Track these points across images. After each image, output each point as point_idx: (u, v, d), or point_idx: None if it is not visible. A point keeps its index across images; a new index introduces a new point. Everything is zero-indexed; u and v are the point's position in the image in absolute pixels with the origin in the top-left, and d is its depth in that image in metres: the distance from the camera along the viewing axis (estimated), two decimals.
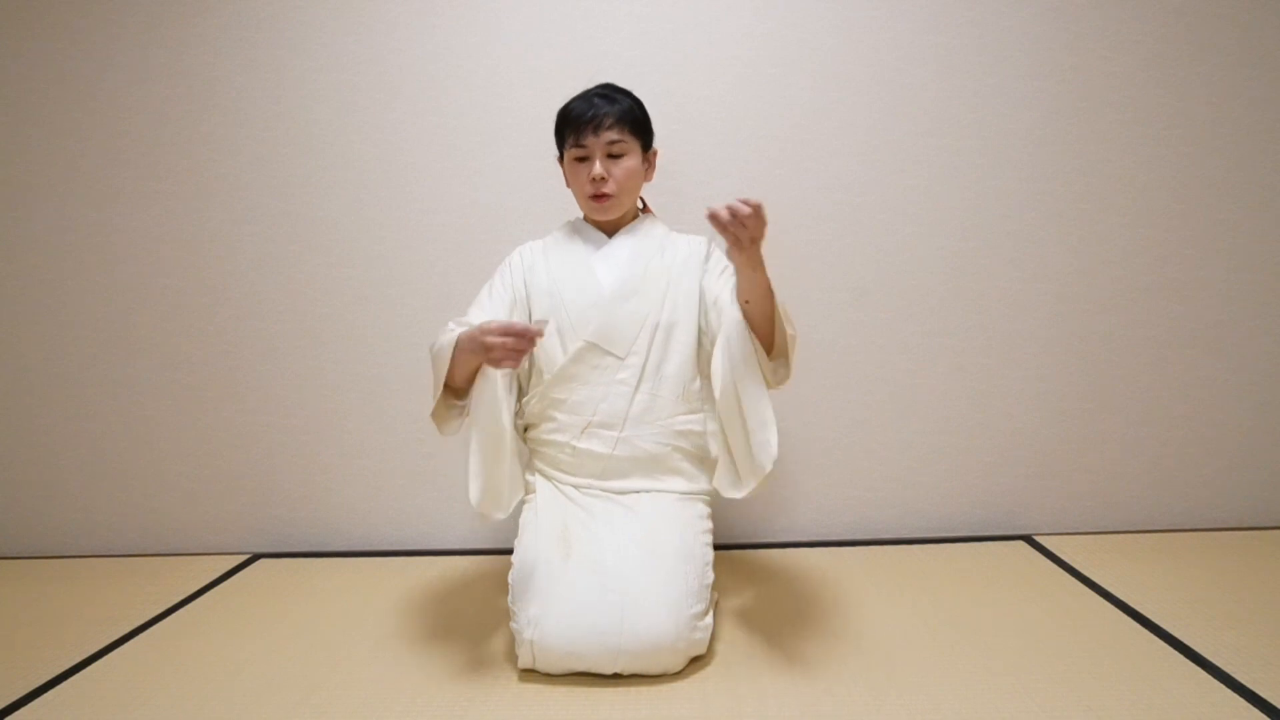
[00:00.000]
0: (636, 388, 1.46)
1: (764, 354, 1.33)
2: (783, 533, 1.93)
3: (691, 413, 1.50)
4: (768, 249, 1.84)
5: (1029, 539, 1.88)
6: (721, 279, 1.47)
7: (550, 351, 1.48)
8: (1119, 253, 1.84)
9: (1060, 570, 1.70)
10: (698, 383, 1.51)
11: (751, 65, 1.81)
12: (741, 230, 1.16)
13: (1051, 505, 1.92)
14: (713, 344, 1.44)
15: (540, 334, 1.22)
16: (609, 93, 1.46)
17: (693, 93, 1.81)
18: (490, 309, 1.48)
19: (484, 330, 1.24)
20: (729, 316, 1.34)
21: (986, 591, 1.59)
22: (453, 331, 1.36)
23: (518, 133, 1.84)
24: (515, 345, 1.22)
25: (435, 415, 1.42)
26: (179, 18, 1.85)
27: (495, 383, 1.37)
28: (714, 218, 1.15)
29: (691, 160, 1.82)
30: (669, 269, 1.49)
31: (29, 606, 1.72)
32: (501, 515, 1.41)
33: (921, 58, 1.80)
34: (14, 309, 1.96)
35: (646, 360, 1.46)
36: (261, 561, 1.94)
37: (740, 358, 1.32)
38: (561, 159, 1.52)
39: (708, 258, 1.53)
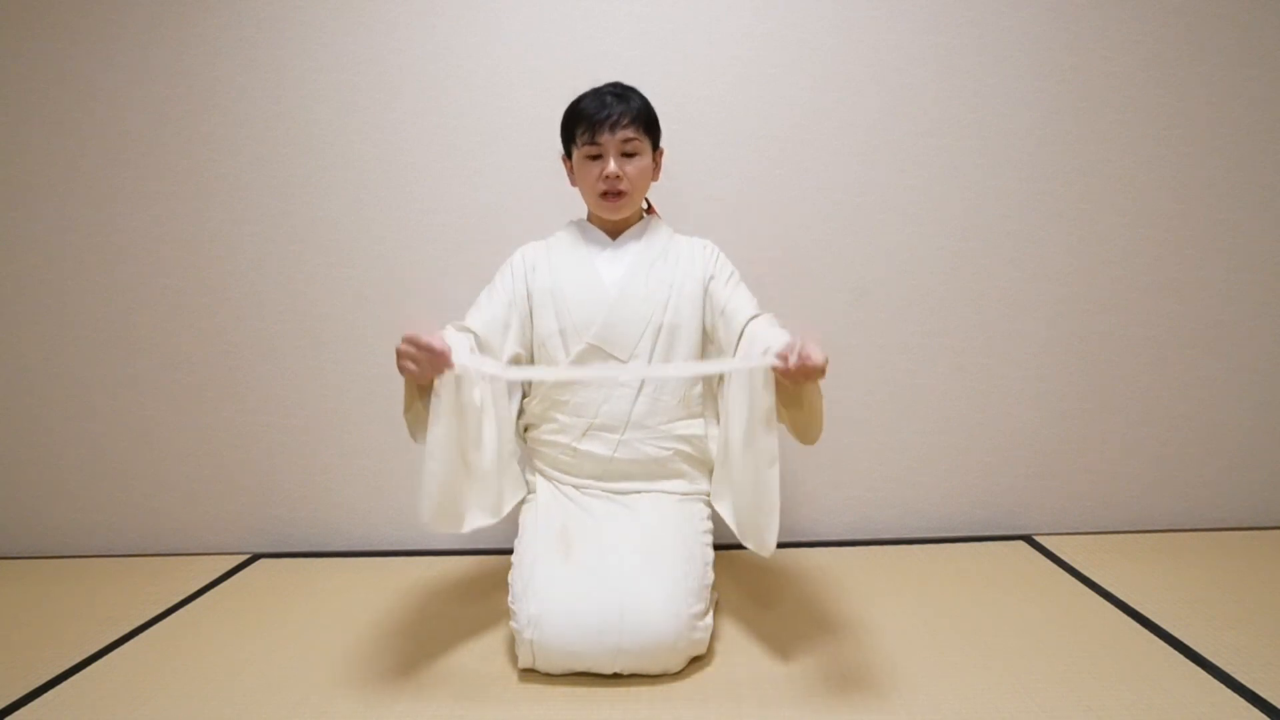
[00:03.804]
0: (639, 391, 1.45)
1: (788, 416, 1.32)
2: (783, 533, 1.89)
3: (692, 417, 1.50)
4: (770, 250, 1.85)
5: (1029, 539, 1.88)
6: (729, 285, 1.48)
7: (553, 352, 1.48)
8: (1119, 253, 1.84)
9: (1060, 570, 1.70)
10: (699, 387, 1.51)
11: (751, 65, 1.81)
12: (799, 375, 1.15)
13: (1051, 505, 1.92)
14: (719, 352, 1.47)
15: (447, 361, 1.21)
16: (621, 91, 1.45)
17: (693, 93, 1.81)
18: (488, 311, 1.47)
19: (404, 338, 1.21)
20: (760, 400, 1.26)
21: (986, 591, 1.59)
22: None
23: (518, 133, 1.84)
24: (417, 357, 1.20)
25: (406, 419, 1.38)
26: (179, 18, 1.85)
27: (451, 394, 1.28)
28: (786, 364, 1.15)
29: (691, 160, 1.82)
30: (673, 271, 1.49)
31: (29, 606, 1.72)
32: (493, 519, 1.36)
33: (921, 58, 1.80)
34: (14, 309, 1.96)
35: (652, 355, 1.46)
36: (261, 561, 1.94)
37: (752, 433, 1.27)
38: (568, 156, 1.50)
39: (716, 260, 1.52)
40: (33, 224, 1.93)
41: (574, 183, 1.51)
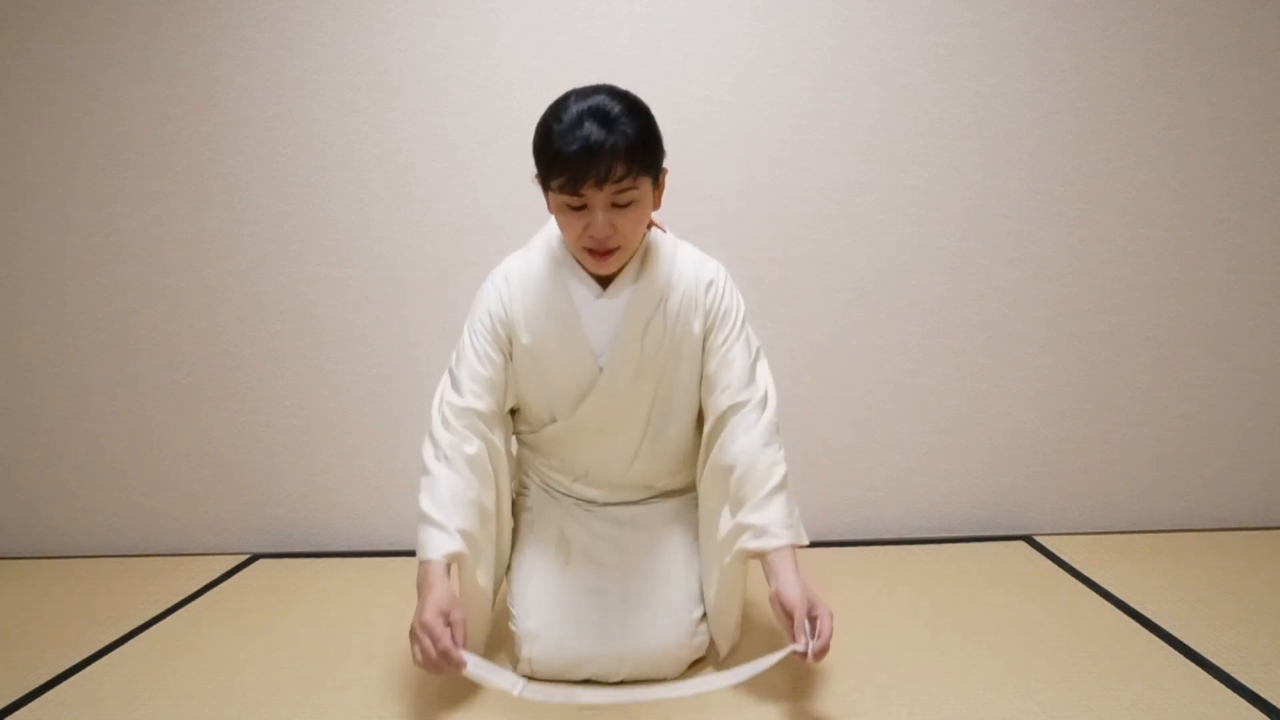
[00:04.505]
0: (633, 459, 1.35)
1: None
2: None
3: (690, 466, 1.41)
4: (770, 250, 1.85)
5: (1029, 539, 1.88)
6: (724, 346, 1.28)
7: (537, 412, 1.34)
8: (1119, 253, 1.84)
9: (1060, 570, 1.70)
10: (695, 440, 1.39)
11: (752, 65, 1.81)
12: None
13: (1051, 505, 1.92)
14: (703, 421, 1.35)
15: (461, 666, 1.09)
16: (610, 117, 1.09)
17: (693, 93, 1.81)
18: (482, 373, 1.27)
19: (421, 623, 1.10)
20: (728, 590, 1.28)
21: (986, 591, 1.59)
22: (426, 552, 1.21)
23: (518, 133, 1.82)
24: (434, 660, 1.08)
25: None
26: (179, 18, 1.85)
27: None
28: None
29: (691, 160, 1.82)
30: (672, 328, 1.27)
31: (29, 606, 1.72)
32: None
33: (921, 58, 1.80)
34: (14, 309, 1.96)
35: (644, 435, 1.32)
36: (261, 561, 1.94)
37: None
38: (544, 187, 1.18)
39: (719, 305, 1.28)
40: (33, 224, 1.93)
41: (551, 210, 1.22)
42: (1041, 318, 1.87)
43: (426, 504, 1.23)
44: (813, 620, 1.10)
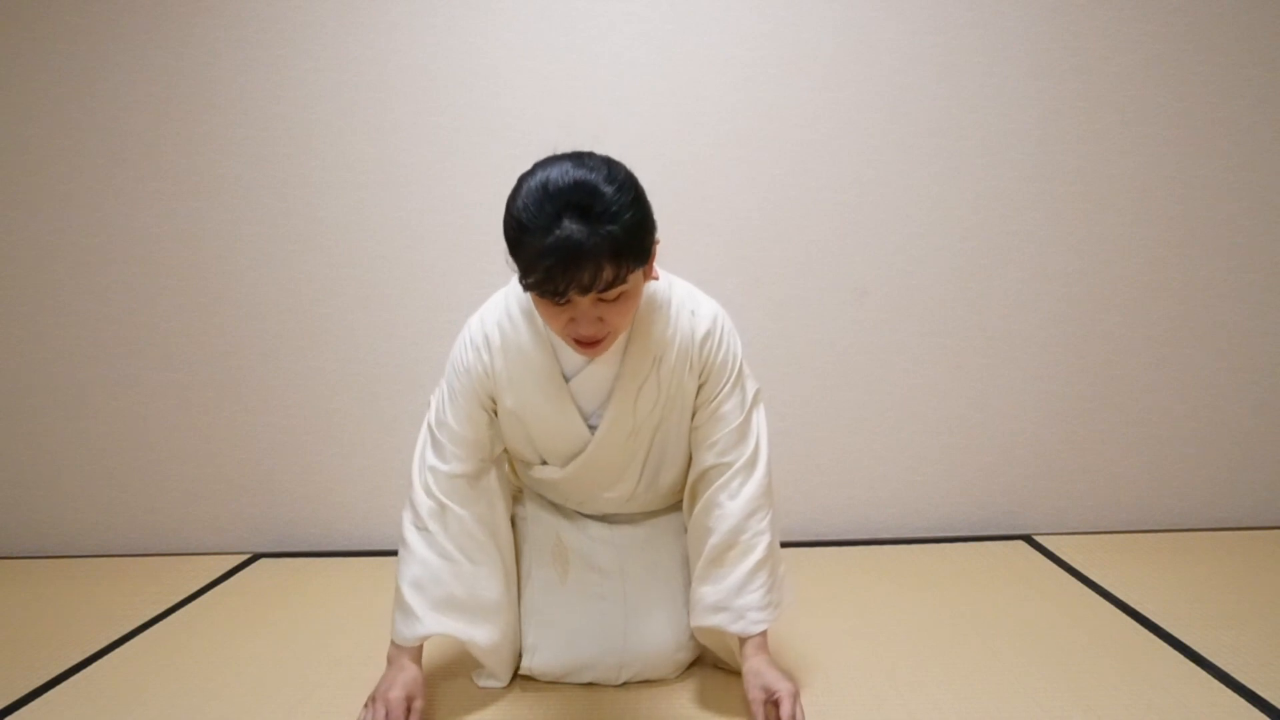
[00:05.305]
0: (629, 499, 1.32)
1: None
2: (783, 533, 1.90)
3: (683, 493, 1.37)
4: (771, 250, 1.85)
5: (1029, 539, 1.88)
6: (715, 402, 1.20)
7: (527, 458, 1.29)
8: (1119, 253, 1.84)
9: (1060, 570, 1.70)
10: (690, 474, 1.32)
11: (752, 65, 1.81)
12: None
13: (1051, 505, 1.92)
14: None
15: None
16: (592, 203, 0.93)
17: (693, 93, 1.81)
18: (469, 438, 1.22)
19: (386, 698, 1.13)
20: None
21: (986, 591, 1.59)
22: (398, 631, 1.20)
23: (517, 133, 1.84)
24: None
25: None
26: (179, 18, 1.85)
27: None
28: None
29: (692, 160, 1.82)
30: (666, 387, 1.19)
31: (29, 606, 1.72)
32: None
33: (922, 57, 1.80)
34: (14, 309, 1.96)
35: (639, 482, 1.29)
36: (261, 561, 1.94)
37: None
38: (520, 279, 1.00)
39: (714, 359, 1.19)
40: (33, 224, 1.93)
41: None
42: (1041, 318, 1.87)
43: (400, 581, 1.21)
44: (777, 704, 1.09)
